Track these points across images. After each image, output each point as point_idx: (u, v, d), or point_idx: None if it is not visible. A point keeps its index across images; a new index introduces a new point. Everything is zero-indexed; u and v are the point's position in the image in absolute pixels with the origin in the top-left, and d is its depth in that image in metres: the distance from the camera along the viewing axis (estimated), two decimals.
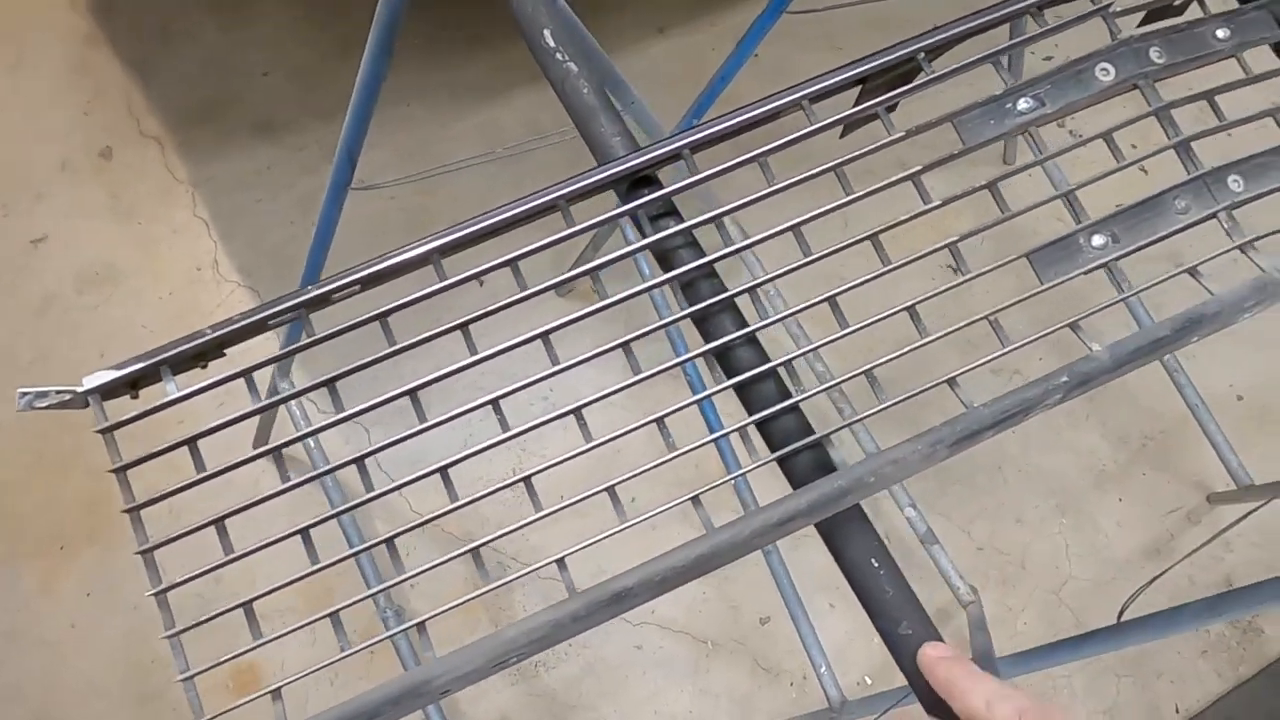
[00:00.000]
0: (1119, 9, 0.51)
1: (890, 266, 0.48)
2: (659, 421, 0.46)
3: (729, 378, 0.48)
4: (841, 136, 0.56)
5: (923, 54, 0.50)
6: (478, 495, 0.45)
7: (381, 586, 0.45)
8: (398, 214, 1.42)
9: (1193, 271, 0.48)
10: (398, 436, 0.44)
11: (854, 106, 0.51)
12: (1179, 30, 0.51)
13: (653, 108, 0.98)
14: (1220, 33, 0.52)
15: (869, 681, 1.26)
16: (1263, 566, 1.35)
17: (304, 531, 0.44)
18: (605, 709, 1.22)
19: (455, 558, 0.45)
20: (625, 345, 0.47)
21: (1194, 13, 0.53)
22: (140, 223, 1.42)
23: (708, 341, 0.49)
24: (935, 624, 0.45)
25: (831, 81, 0.50)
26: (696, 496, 0.46)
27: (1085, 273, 0.48)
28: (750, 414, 0.47)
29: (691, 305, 0.49)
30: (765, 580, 1.10)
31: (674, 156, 0.49)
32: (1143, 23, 0.57)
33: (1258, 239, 0.48)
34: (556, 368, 0.46)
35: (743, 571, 1.00)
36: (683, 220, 0.50)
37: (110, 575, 1.25)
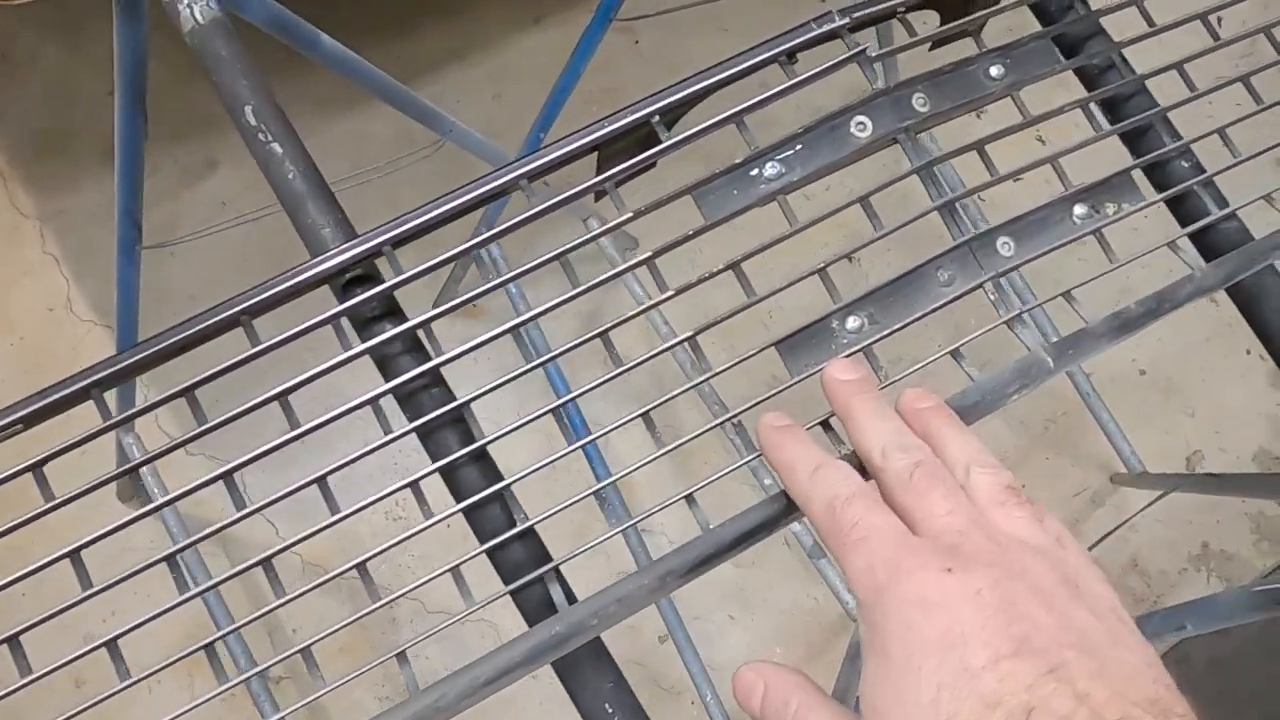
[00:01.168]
0: (879, 51, 0.45)
1: (623, 368, 0.43)
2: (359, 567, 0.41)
3: (456, 501, 0.43)
4: (596, 200, 0.51)
5: (657, 117, 0.44)
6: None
7: (220, 633, 0.41)
8: (260, 241, 1.35)
9: (955, 354, 0.43)
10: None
11: (594, 177, 0.45)
12: (946, 72, 0.46)
13: (525, 106, 0.92)
14: (994, 70, 0.47)
15: None
16: (1167, 545, 1.33)
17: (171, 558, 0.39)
18: None
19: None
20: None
21: (970, 48, 0.48)
22: None
23: (433, 460, 0.43)
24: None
25: (555, 155, 0.44)
26: (402, 652, 0.41)
27: (842, 358, 0.43)
28: (480, 542, 0.43)
29: (412, 420, 0.43)
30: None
31: (375, 254, 0.43)
32: (933, 47, 0.51)
33: (1026, 310, 0.43)
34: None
35: None
36: (403, 320, 0.45)
37: None
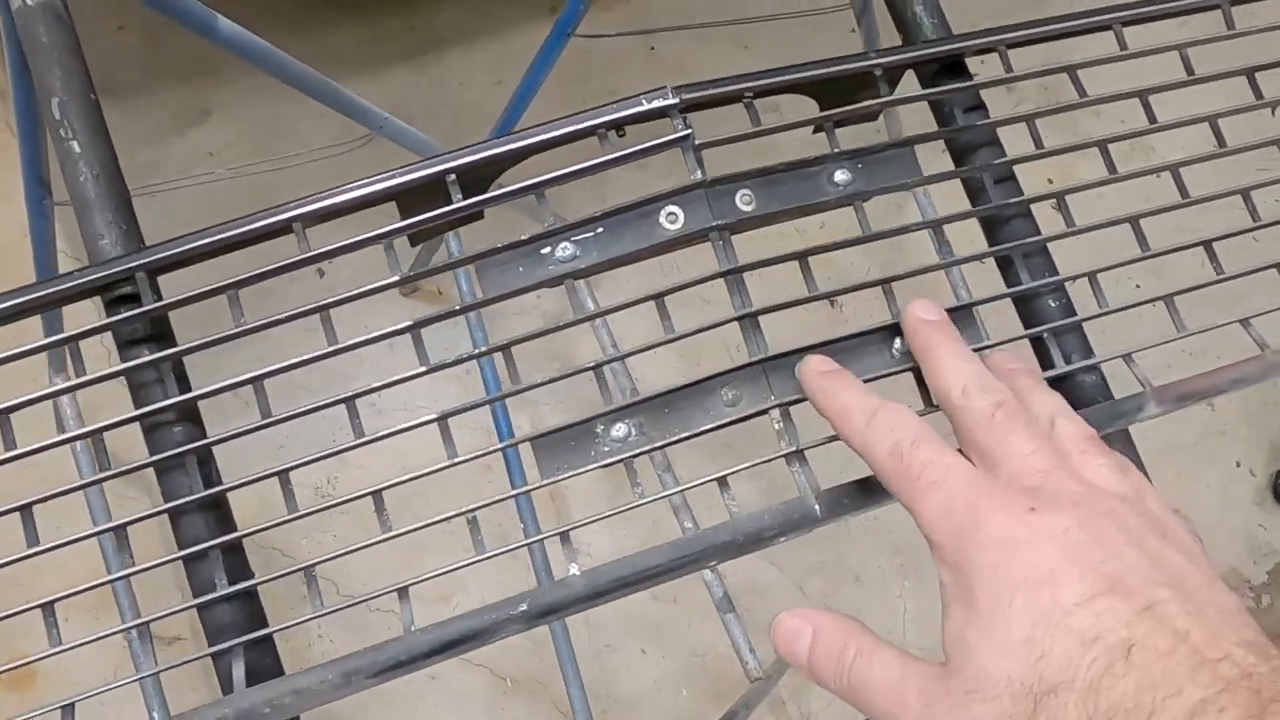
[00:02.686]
0: (704, 140, 0.41)
1: (370, 438, 0.40)
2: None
3: (179, 548, 0.41)
4: (415, 244, 0.47)
5: (451, 176, 0.41)
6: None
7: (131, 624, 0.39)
8: (243, 196, 1.34)
9: (721, 483, 0.40)
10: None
11: (396, 223, 0.42)
12: (782, 170, 0.42)
13: (536, 98, 0.90)
14: (839, 175, 0.43)
15: None
16: None
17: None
18: None
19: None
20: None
21: (826, 145, 0.44)
22: None
23: (165, 501, 0.41)
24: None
25: (340, 200, 0.41)
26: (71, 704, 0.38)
27: (598, 468, 0.39)
28: (193, 596, 0.40)
29: (150, 455, 0.41)
30: (580, 618, 1.04)
31: (125, 279, 0.41)
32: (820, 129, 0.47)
33: (810, 447, 0.39)
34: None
35: None
36: (168, 345, 0.42)
37: None
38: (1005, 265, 0.46)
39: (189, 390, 0.42)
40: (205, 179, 1.34)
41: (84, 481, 0.40)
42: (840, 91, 0.46)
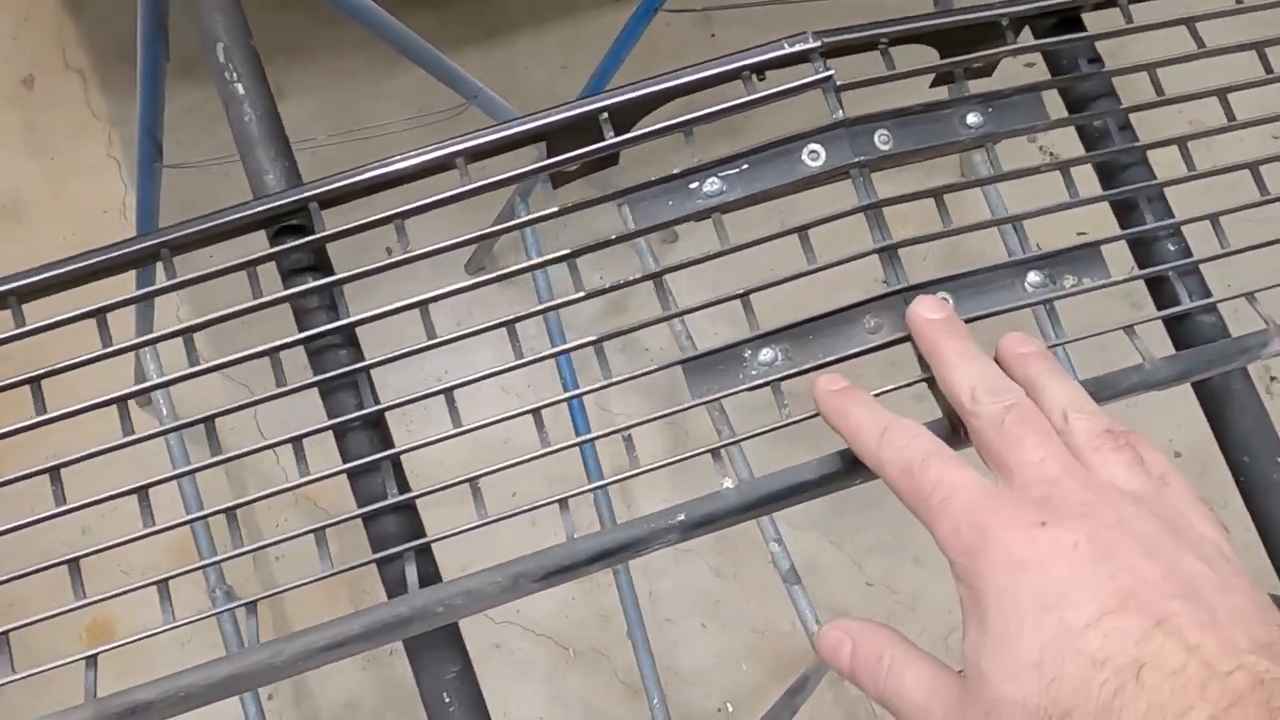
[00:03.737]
0: (846, 81, 0.43)
1: (523, 360, 0.42)
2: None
3: (343, 461, 0.43)
4: (556, 186, 0.50)
5: (605, 115, 0.43)
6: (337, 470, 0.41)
7: (209, 561, 0.43)
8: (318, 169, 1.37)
9: None
10: (250, 400, 0.41)
11: (539, 162, 0.45)
12: (917, 111, 0.44)
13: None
14: (971, 118, 0.45)
15: (730, 709, 1.22)
16: None
17: (141, 490, 0.41)
18: None
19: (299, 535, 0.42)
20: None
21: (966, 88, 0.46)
22: (53, 158, 1.38)
23: (330, 417, 0.43)
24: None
25: (496, 138, 0.43)
26: (249, 604, 0.41)
27: (746, 390, 0.41)
28: (359, 507, 0.43)
29: (317, 374, 0.44)
30: (643, 591, 1.06)
31: (299, 208, 0.43)
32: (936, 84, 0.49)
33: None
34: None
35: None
36: (329, 274, 0.45)
37: None
38: (1127, 209, 0.48)
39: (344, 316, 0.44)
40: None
41: (273, 393, 0.42)
42: (962, 42, 0.48)
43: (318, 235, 0.43)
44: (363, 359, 0.44)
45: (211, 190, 1.35)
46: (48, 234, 1.35)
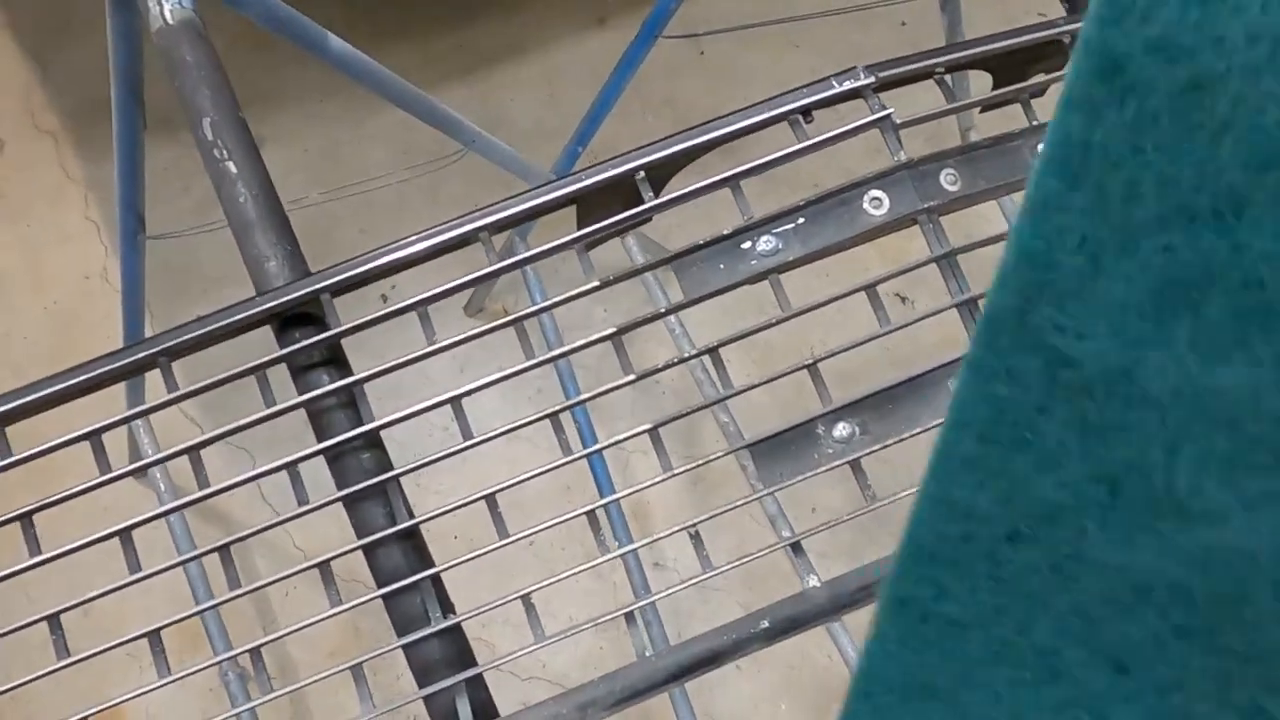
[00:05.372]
0: (902, 118, 0.39)
1: (569, 458, 0.37)
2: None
3: (378, 585, 0.38)
4: (589, 250, 0.45)
5: (641, 174, 0.39)
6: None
7: (222, 656, 0.39)
8: (301, 227, 1.32)
9: None
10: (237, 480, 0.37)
11: (576, 231, 0.40)
12: (984, 147, 0.40)
13: (578, 108, 0.89)
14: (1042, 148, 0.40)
15: None
16: None
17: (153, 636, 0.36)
18: None
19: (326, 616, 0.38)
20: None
21: (1021, 120, 0.42)
22: (29, 225, 1.33)
23: (359, 536, 0.39)
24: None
25: (525, 207, 0.39)
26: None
27: (823, 473, 0.37)
28: (396, 631, 0.38)
29: (340, 487, 0.39)
30: (673, 634, 1.01)
31: (311, 299, 0.39)
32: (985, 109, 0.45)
33: None
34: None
35: None
36: (347, 373, 0.40)
37: None
38: None
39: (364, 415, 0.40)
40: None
41: (296, 513, 0.38)
42: (1016, 64, 0.44)
43: (333, 331, 0.39)
44: (390, 465, 0.39)
45: (194, 253, 1.30)
46: (27, 304, 1.30)
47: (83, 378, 0.37)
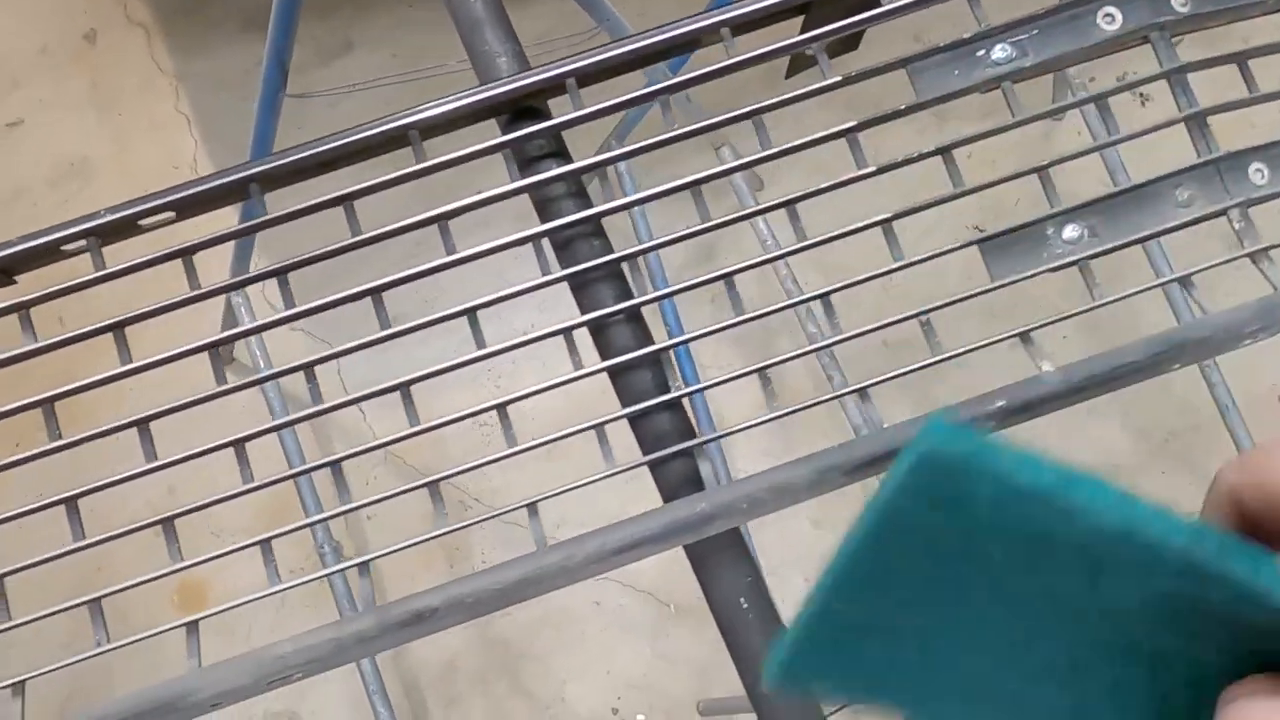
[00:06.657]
0: None
1: (806, 243, 0.39)
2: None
3: (603, 359, 0.40)
4: (788, 76, 0.46)
5: None
6: (443, 420, 0.38)
7: (318, 518, 0.39)
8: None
9: (1183, 282, 0.38)
10: (351, 345, 0.38)
11: (797, 35, 0.41)
12: None
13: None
14: None
15: None
16: None
17: (238, 444, 0.38)
18: (556, 664, 1.17)
19: (407, 491, 0.39)
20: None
21: None
22: (120, 114, 1.35)
23: (583, 313, 0.40)
24: None
25: (760, 6, 0.40)
26: (534, 504, 0.38)
27: (1050, 270, 0.38)
28: (623, 406, 0.39)
29: (566, 268, 0.40)
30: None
31: (557, 87, 0.40)
32: None
33: (1274, 247, 0.38)
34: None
35: None
36: (569, 161, 0.41)
37: None
38: None
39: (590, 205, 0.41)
40: (374, 85, 1.33)
41: (539, 281, 0.39)
42: None
43: (563, 118, 0.40)
44: (612, 249, 0.41)
45: (319, 122, 1.31)
46: (116, 193, 1.31)
47: (348, 139, 0.38)
